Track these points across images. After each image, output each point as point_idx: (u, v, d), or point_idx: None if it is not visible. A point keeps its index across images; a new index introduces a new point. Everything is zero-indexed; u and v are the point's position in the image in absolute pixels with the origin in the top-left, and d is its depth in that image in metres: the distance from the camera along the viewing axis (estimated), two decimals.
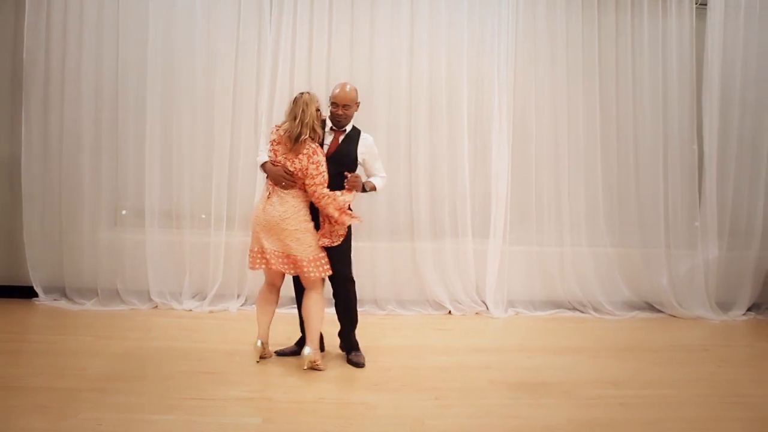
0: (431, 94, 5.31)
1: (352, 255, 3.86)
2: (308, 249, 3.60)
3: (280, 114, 5.15)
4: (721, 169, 5.46)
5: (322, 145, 3.70)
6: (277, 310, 3.93)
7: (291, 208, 3.59)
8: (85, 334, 4.28)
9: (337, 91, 3.72)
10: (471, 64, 5.35)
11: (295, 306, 4.02)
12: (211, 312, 5.03)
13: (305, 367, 3.63)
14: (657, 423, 3.06)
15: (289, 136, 3.56)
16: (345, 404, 3.20)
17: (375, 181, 3.82)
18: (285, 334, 4.16)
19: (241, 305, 5.16)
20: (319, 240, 3.65)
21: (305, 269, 3.61)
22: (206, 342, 4.21)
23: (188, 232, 5.22)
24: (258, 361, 3.79)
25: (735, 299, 5.49)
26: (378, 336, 4.43)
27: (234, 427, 2.87)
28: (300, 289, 3.84)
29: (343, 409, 3.14)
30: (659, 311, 5.46)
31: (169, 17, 5.12)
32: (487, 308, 5.30)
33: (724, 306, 5.45)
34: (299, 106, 3.57)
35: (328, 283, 3.85)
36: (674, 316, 5.37)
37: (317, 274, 3.64)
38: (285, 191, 3.61)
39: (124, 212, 5.29)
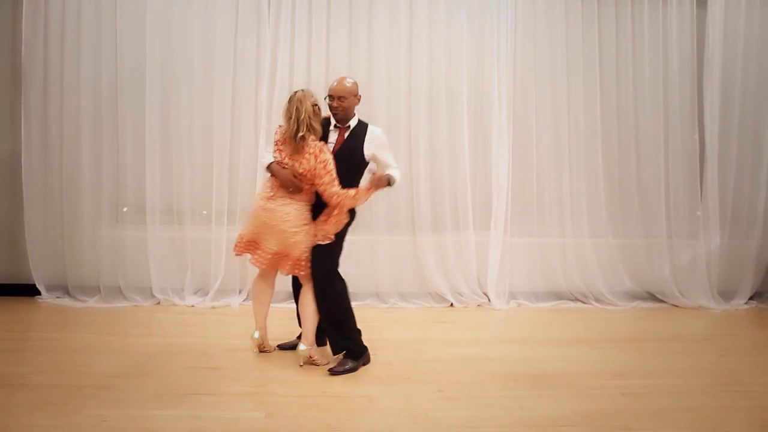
0: (431, 87, 5.29)
1: (339, 250, 3.73)
2: (302, 247, 3.58)
3: (280, 109, 5.14)
4: (722, 158, 5.44)
5: (326, 142, 3.64)
6: (278, 305, 3.93)
7: (294, 210, 3.54)
8: (87, 331, 4.29)
9: (334, 84, 3.67)
10: (470, 56, 5.33)
11: (293, 301, 4.01)
12: (213, 308, 5.04)
13: (301, 364, 3.63)
14: (660, 412, 3.07)
15: (289, 136, 3.53)
16: (348, 398, 3.21)
17: (392, 173, 3.67)
18: (289, 328, 4.16)
19: (243, 300, 5.16)
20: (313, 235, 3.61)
21: (297, 268, 3.62)
22: (208, 337, 4.22)
23: (189, 228, 5.22)
24: (257, 353, 3.81)
25: (737, 288, 5.49)
26: (380, 329, 4.43)
27: (237, 422, 2.88)
28: (297, 284, 3.82)
29: (345, 402, 3.15)
30: (661, 301, 5.46)
31: (166, 14, 5.10)
32: (489, 300, 5.31)
33: (726, 295, 5.44)
34: (293, 104, 3.53)
35: None
36: (676, 306, 5.37)
37: (296, 270, 3.64)
38: (289, 195, 3.56)
39: (125, 209, 5.29)
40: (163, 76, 5.12)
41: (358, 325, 3.77)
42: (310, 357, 3.64)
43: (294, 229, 3.54)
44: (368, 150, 3.66)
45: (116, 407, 2.99)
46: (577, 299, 5.43)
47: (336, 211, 3.57)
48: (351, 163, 3.63)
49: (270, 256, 3.64)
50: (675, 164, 5.45)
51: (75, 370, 3.49)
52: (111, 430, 2.77)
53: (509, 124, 5.33)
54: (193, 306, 5.05)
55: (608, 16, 5.45)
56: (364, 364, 3.69)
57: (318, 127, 3.57)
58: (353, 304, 3.83)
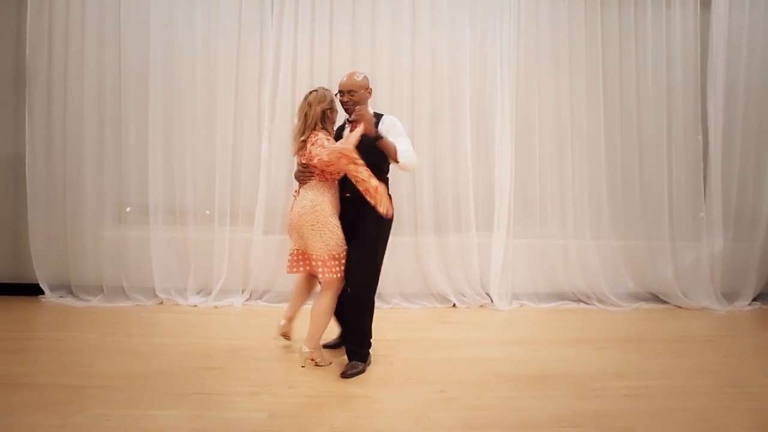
0: (433, 88, 5.30)
1: (381, 257, 3.66)
2: (323, 247, 3.50)
3: (282, 109, 5.19)
4: (725, 159, 5.44)
5: (341, 138, 3.60)
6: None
7: (308, 203, 3.52)
8: (90, 331, 4.30)
9: (343, 79, 3.66)
10: (473, 58, 5.34)
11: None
12: (216, 307, 5.05)
13: (303, 365, 3.64)
14: (662, 414, 3.06)
15: (294, 136, 3.58)
16: (350, 398, 3.21)
17: (398, 146, 3.50)
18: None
19: (246, 300, 5.18)
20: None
21: (316, 269, 3.58)
22: (211, 337, 4.23)
23: (192, 229, 5.23)
24: (275, 338, 3.83)
25: (740, 290, 5.48)
26: (382, 329, 4.42)
27: (240, 422, 2.88)
28: (346, 301, 3.72)
29: (348, 402, 3.15)
30: (664, 302, 5.45)
31: (170, 15, 5.12)
32: (492, 301, 5.31)
33: (729, 296, 5.44)
34: (305, 105, 3.57)
35: None
36: (679, 307, 5.36)
37: (327, 276, 3.52)
38: (305, 188, 3.57)
39: (128, 209, 5.30)
40: (166, 77, 5.14)
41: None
42: (314, 359, 3.65)
43: (311, 222, 3.49)
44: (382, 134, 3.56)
45: (119, 407, 3.00)
46: (579, 300, 5.43)
47: (350, 170, 3.37)
48: (368, 154, 3.44)
49: (296, 257, 3.68)
50: (678, 166, 5.44)
51: (78, 369, 3.50)
52: (113, 430, 2.78)
53: (512, 126, 5.33)
54: (195, 306, 5.06)
55: (611, 17, 5.45)
56: (368, 364, 3.70)
57: (328, 130, 3.58)
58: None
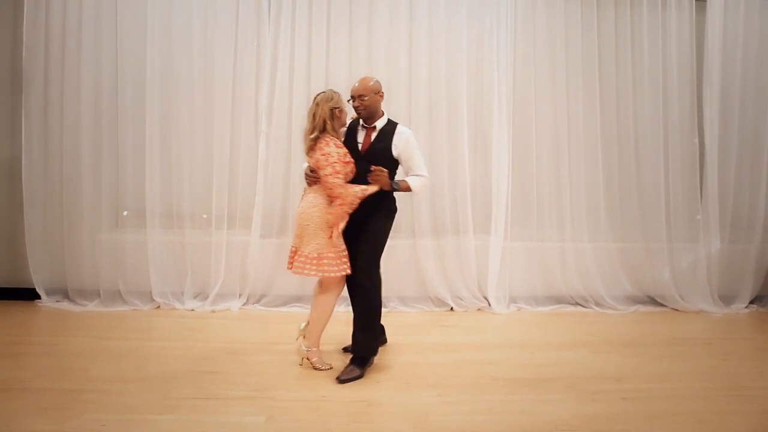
0: (430, 91, 5.30)
1: (381, 251, 3.73)
2: (317, 246, 3.54)
3: (279, 112, 5.19)
4: (722, 161, 5.45)
5: (355, 143, 3.68)
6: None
7: (308, 204, 3.61)
8: (87, 336, 4.29)
9: (355, 84, 3.71)
10: (470, 60, 5.34)
11: (350, 305, 3.96)
12: (213, 311, 5.04)
13: (300, 363, 3.67)
14: (660, 417, 3.06)
15: (304, 135, 3.64)
16: (348, 402, 3.20)
17: (410, 180, 3.65)
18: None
19: (243, 304, 5.17)
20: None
21: (304, 267, 3.55)
22: (208, 341, 4.21)
23: (189, 232, 5.22)
24: (297, 339, 3.81)
25: (737, 292, 5.49)
26: None
27: (237, 427, 2.87)
28: (352, 288, 3.81)
29: (345, 407, 3.14)
30: (661, 305, 5.46)
31: (167, 17, 5.12)
32: (489, 304, 5.30)
33: (726, 299, 5.44)
34: (313, 107, 3.64)
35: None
36: (677, 310, 5.36)
37: (315, 274, 3.54)
38: (310, 189, 3.65)
39: (125, 213, 5.29)
40: (163, 80, 5.13)
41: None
42: (309, 359, 3.66)
43: (307, 222, 3.57)
44: (395, 150, 3.67)
45: (116, 412, 2.99)
46: (577, 303, 5.43)
47: (338, 201, 3.52)
48: (379, 161, 3.58)
49: (292, 255, 3.69)
50: (675, 168, 5.45)
51: (74, 374, 3.49)
52: None
53: (509, 129, 5.34)
54: (192, 310, 5.05)
55: (607, 20, 5.47)
56: (370, 364, 3.71)
57: (336, 128, 3.63)
58: (349, 307, 3.86)
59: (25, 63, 5.01)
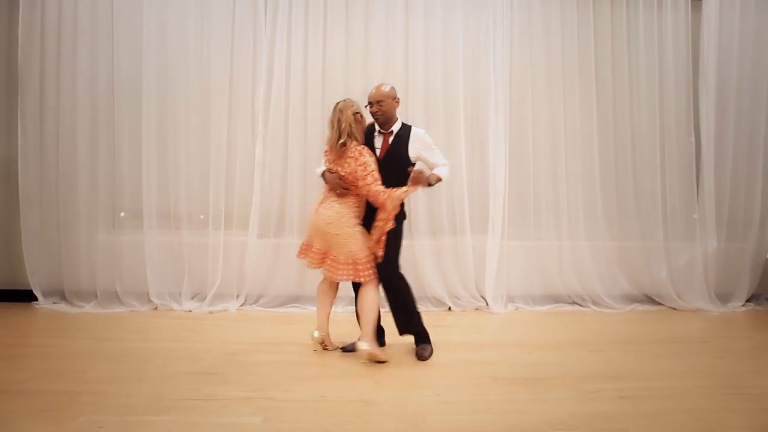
0: (427, 91, 5.31)
1: (398, 249, 3.89)
2: (348, 252, 3.71)
3: (276, 113, 5.19)
4: (718, 160, 5.47)
5: (372, 148, 3.80)
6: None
7: (335, 213, 3.72)
8: (84, 337, 4.28)
9: (372, 91, 3.83)
10: (467, 60, 5.35)
11: (354, 305, 4.08)
12: (210, 312, 5.03)
13: (363, 361, 3.74)
14: (658, 415, 3.06)
15: (332, 144, 3.72)
16: (345, 402, 3.20)
17: (439, 172, 3.79)
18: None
19: (241, 305, 5.16)
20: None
21: (339, 272, 3.72)
22: (206, 342, 4.21)
23: (186, 233, 5.22)
24: (315, 350, 3.90)
25: (734, 290, 5.50)
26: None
27: (234, 427, 2.87)
28: (357, 287, 3.94)
29: (343, 407, 3.14)
30: (658, 304, 5.47)
31: (163, 17, 5.12)
32: (487, 304, 5.31)
33: (723, 297, 5.46)
34: (335, 114, 3.74)
35: None
36: (674, 309, 5.38)
37: (354, 278, 3.73)
38: (332, 197, 3.75)
39: (122, 214, 5.28)
40: (159, 81, 5.13)
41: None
42: (372, 354, 3.74)
43: (336, 232, 3.70)
44: (413, 152, 3.81)
45: (113, 413, 2.98)
46: (574, 302, 5.44)
47: (387, 208, 3.64)
48: (397, 165, 3.76)
49: (319, 257, 3.82)
50: (671, 167, 5.46)
51: (72, 376, 3.48)
52: None
53: (506, 129, 5.34)
54: (190, 311, 5.05)
55: (603, 19, 5.49)
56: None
57: (359, 134, 3.74)
58: (351, 307, 3.99)
59: (21, 64, 5.00)
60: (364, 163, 3.65)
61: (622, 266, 5.49)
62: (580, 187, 5.45)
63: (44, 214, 5.11)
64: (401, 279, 3.91)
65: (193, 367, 3.68)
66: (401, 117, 3.99)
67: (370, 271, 3.75)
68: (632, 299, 5.47)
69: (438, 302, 5.29)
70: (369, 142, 3.84)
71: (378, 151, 3.82)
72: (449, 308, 5.28)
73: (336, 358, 3.88)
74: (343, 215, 3.72)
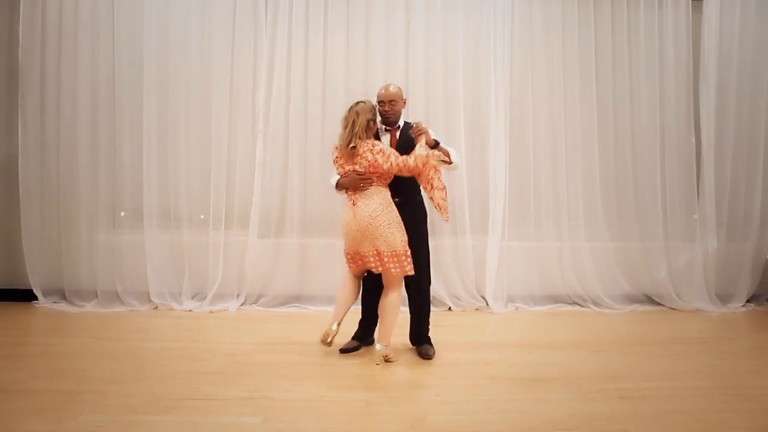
0: (427, 90, 5.31)
1: (428, 249, 3.99)
2: (399, 243, 3.70)
3: (277, 112, 5.18)
4: (718, 160, 5.46)
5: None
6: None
7: (378, 206, 3.71)
8: (84, 336, 4.28)
9: (382, 90, 3.89)
10: (467, 60, 5.35)
11: (359, 304, 4.11)
12: (210, 312, 5.03)
13: (377, 363, 3.72)
14: (658, 416, 3.06)
15: (344, 145, 3.75)
16: (345, 402, 3.20)
17: (448, 148, 3.87)
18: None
19: (241, 305, 5.16)
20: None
21: (388, 265, 3.69)
22: (206, 342, 4.21)
23: (187, 233, 5.22)
24: (327, 341, 3.80)
25: (734, 291, 5.50)
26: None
27: (234, 427, 2.87)
28: (367, 285, 3.95)
29: (343, 407, 3.14)
30: (659, 304, 5.47)
31: (163, 16, 5.12)
32: (487, 304, 5.31)
33: (723, 298, 5.45)
34: (351, 116, 3.76)
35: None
36: (674, 309, 5.37)
37: (398, 271, 3.71)
38: (366, 195, 3.74)
39: (122, 214, 5.28)
40: (160, 80, 5.13)
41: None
42: (387, 356, 3.74)
43: (387, 222, 3.69)
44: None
45: (113, 413, 2.98)
46: (574, 302, 5.43)
47: (427, 172, 3.66)
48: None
49: (371, 259, 3.74)
50: (671, 167, 5.46)
51: (72, 375, 3.48)
52: None
53: (506, 129, 5.34)
54: (190, 310, 5.05)
55: (604, 19, 5.48)
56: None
57: (369, 138, 3.78)
58: (354, 307, 3.95)
59: (22, 62, 5.01)
60: (380, 150, 3.70)
61: (622, 266, 5.49)
62: (580, 187, 5.45)
63: (45, 213, 5.11)
64: (429, 280, 4.03)
65: (193, 366, 3.68)
66: (403, 114, 4.02)
67: (407, 266, 3.74)
68: (632, 299, 5.47)
69: (438, 302, 5.28)
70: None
71: None
72: (449, 308, 5.28)
73: (336, 358, 3.88)
74: (388, 204, 3.74)
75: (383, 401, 3.23)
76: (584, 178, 5.46)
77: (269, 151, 5.20)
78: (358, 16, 5.27)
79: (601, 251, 5.47)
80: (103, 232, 5.17)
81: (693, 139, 5.49)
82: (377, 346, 3.75)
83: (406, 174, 3.71)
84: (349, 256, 3.87)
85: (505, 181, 5.32)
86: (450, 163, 3.87)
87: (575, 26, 5.42)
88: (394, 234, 3.69)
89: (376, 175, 3.72)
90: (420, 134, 3.74)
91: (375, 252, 3.72)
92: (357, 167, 3.73)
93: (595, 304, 5.38)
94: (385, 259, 3.70)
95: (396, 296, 3.79)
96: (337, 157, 3.85)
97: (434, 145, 3.83)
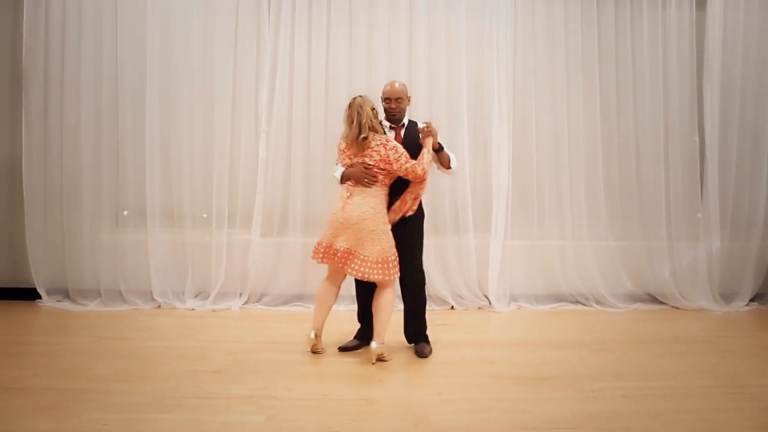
0: (430, 90, 5.30)
1: (422, 246, 3.98)
2: (380, 250, 3.67)
3: (279, 111, 5.19)
4: (722, 159, 5.44)
5: None
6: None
7: (370, 209, 3.68)
8: (88, 335, 4.29)
9: (388, 87, 3.89)
10: (470, 59, 5.34)
11: (355, 303, 4.14)
12: (213, 311, 5.04)
13: (373, 362, 3.71)
14: (660, 415, 3.06)
15: (352, 139, 3.73)
16: (348, 401, 3.20)
17: (450, 154, 3.92)
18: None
19: (244, 303, 5.17)
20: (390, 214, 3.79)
21: (371, 271, 3.65)
22: (209, 341, 4.22)
23: (190, 232, 5.22)
24: (310, 353, 3.88)
25: (738, 290, 5.48)
26: None
27: (237, 426, 2.87)
28: (361, 284, 3.93)
29: (346, 405, 3.14)
30: (662, 303, 5.46)
31: (166, 16, 5.12)
32: (490, 303, 5.30)
33: (726, 297, 5.44)
34: (354, 109, 3.74)
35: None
36: (677, 308, 5.36)
37: (383, 277, 3.69)
38: (364, 193, 3.71)
39: (125, 213, 5.29)
40: (163, 78, 5.14)
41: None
42: (382, 354, 3.74)
43: (373, 228, 3.66)
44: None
45: (116, 411, 2.99)
46: (577, 301, 5.43)
47: (422, 180, 3.76)
48: (412, 157, 3.78)
49: (339, 254, 3.72)
50: (675, 166, 5.45)
51: (75, 373, 3.49)
52: None
53: (509, 127, 5.34)
54: (193, 309, 5.06)
55: (607, 18, 5.46)
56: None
57: (378, 127, 3.79)
58: (353, 306, 4.03)
59: (25, 62, 5.02)
60: (394, 147, 3.70)
61: (625, 265, 5.48)
62: (583, 186, 5.44)
63: (48, 213, 5.12)
64: (424, 278, 4.01)
65: (195, 365, 3.68)
66: (406, 113, 4.02)
67: (397, 269, 3.75)
68: (635, 298, 5.46)
69: (441, 301, 5.29)
70: None
71: None
72: (452, 307, 5.27)
73: (337, 357, 3.89)
74: (379, 212, 3.71)
75: (385, 400, 3.23)
76: (587, 178, 5.45)
77: (272, 150, 5.21)
78: (361, 15, 5.26)
79: (604, 250, 5.46)
80: (107, 232, 5.18)
81: (697, 139, 5.47)
82: (373, 344, 3.75)
83: (410, 179, 3.73)
84: (321, 247, 3.80)
85: (508, 180, 5.31)
86: (449, 168, 3.97)
87: (578, 26, 5.41)
88: (379, 242, 3.66)
89: (384, 172, 3.72)
90: (429, 135, 3.75)
91: (347, 251, 3.68)
92: (367, 159, 3.70)
93: (598, 303, 5.37)
94: (366, 263, 3.65)
95: (389, 294, 3.78)
96: (344, 149, 3.83)
97: (438, 149, 3.85)
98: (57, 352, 3.88)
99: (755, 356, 4.10)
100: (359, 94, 3.87)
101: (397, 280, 3.90)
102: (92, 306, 5.03)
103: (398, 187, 3.81)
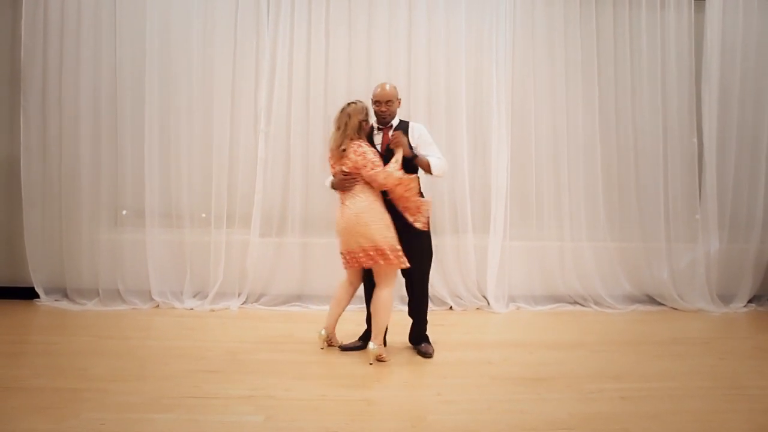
0: (430, 91, 5.30)
1: (431, 250, 3.99)
2: (384, 240, 3.68)
3: (278, 111, 5.18)
4: (721, 161, 5.45)
5: (372, 145, 3.84)
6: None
7: (363, 203, 3.72)
8: (86, 335, 4.29)
9: (378, 90, 3.88)
10: (469, 60, 5.34)
11: (364, 305, 4.13)
12: (212, 311, 5.04)
13: (371, 362, 3.73)
14: (659, 416, 3.06)
15: (335, 147, 3.77)
16: (346, 401, 3.20)
17: (430, 160, 3.84)
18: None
19: (242, 303, 5.17)
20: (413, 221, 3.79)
21: (376, 259, 3.69)
22: (208, 341, 4.21)
23: (188, 231, 5.22)
24: (322, 348, 3.95)
25: (736, 291, 5.49)
26: None
27: (236, 426, 2.87)
28: (369, 285, 3.94)
29: (344, 406, 3.14)
30: (660, 304, 5.46)
31: (166, 16, 5.12)
32: (488, 303, 5.30)
33: (725, 298, 5.45)
34: (343, 118, 3.77)
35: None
36: (675, 309, 5.37)
37: (388, 264, 3.70)
38: (353, 194, 3.75)
39: (124, 212, 5.29)
40: (162, 79, 5.13)
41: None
42: (380, 355, 3.75)
43: (370, 219, 3.69)
44: (413, 141, 3.87)
45: (115, 411, 2.98)
46: (576, 302, 5.43)
47: (399, 192, 3.72)
48: (404, 167, 3.77)
49: (361, 255, 3.75)
50: (674, 168, 5.45)
51: (73, 373, 3.49)
52: None
53: (508, 128, 5.34)
54: (192, 309, 5.05)
55: (606, 20, 5.47)
56: None
57: (360, 139, 3.78)
58: (354, 306, 4.02)
59: (24, 62, 5.01)
60: (362, 153, 3.69)
61: (623, 267, 5.48)
62: (582, 187, 5.45)
63: (47, 212, 5.12)
64: (428, 279, 4.05)
65: (194, 365, 3.68)
66: (405, 116, 4.02)
67: (398, 261, 3.72)
68: (634, 300, 5.46)
69: (439, 301, 5.29)
70: (369, 140, 3.87)
71: (378, 147, 3.86)
72: (450, 307, 5.27)
73: (337, 357, 3.89)
74: (373, 202, 3.73)
75: (384, 400, 3.23)
76: (586, 179, 5.45)
77: (271, 150, 5.21)
78: (360, 15, 5.27)
79: (603, 251, 5.47)
80: (105, 231, 5.18)
81: (695, 140, 5.48)
82: (370, 344, 3.76)
83: (374, 186, 3.72)
84: (343, 256, 3.87)
85: (506, 181, 5.32)
86: (429, 173, 3.89)
87: (577, 27, 5.41)
88: (381, 231, 3.69)
89: (359, 176, 3.74)
90: (397, 146, 3.74)
91: (361, 248, 3.72)
92: (344, 168, 3.75)
93: (597, 304, 5.38)
94: (372, 254, 3.70)
95: (387, 294, 3.79)
96: (329, 157, 3.88)
97: (412, 157, 3.81)
98: (55, 352, 3.88)
99: (753, 357, 4.11)
100: (359, 99, 3.87)
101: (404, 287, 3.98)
102: (90, 305, 5.03)
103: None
